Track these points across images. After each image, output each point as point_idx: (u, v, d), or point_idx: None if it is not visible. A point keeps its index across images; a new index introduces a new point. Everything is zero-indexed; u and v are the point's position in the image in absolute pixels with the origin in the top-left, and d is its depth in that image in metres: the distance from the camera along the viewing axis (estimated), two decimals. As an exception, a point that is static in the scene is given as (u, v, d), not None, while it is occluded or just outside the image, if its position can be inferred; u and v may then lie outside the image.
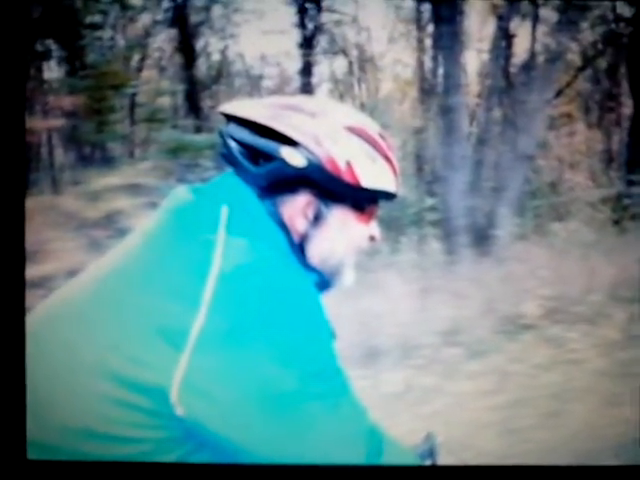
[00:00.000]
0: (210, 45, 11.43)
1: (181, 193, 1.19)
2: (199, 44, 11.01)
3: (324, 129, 1.17)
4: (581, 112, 12.64)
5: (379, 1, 11.18)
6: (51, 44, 9.48)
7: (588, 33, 11.08)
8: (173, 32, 10.48)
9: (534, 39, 9.34)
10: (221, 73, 12.05)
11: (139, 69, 11.27)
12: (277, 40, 13.98)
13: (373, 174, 1.19)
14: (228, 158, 1.20)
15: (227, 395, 1.02)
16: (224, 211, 1.12)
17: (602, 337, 4.98)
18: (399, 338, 4.79)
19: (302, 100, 1.24)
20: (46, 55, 9.51)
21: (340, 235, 1.22)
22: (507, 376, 4.39)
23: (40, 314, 1.17)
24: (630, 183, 8.93)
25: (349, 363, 1.14)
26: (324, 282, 1.24)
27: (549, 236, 8.17)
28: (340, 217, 1.21)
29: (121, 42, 10.67)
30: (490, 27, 9.86)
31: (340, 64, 12.67)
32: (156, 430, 1.03)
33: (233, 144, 1.19)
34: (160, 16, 10.48)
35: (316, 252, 1.21)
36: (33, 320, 1.17)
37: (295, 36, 10.60)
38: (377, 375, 4.27)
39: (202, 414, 1.02)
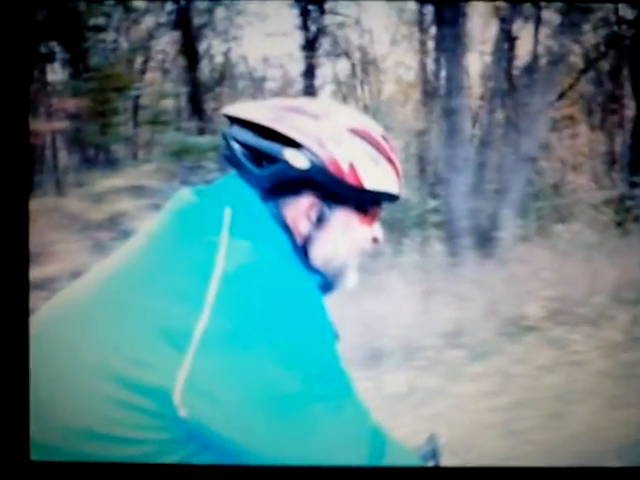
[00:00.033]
0: (213, 47, 11.47)
1: (184, 195, 1.19)
2: (202, 46, 11.04)
3: (327, 131, 1.17)
4: (584, 114, 12.65)
5: (382, 3, 11.19)
6: (55, 46, 9.51)
7: (590, 35, 11.09)
8: (176, 35, 10.50)
9: (536, 41, 9.36)
10: (224, 75, 12.08)
11: (142, 71, 11.30)
12: (280, 42, 13.98)
13: (376, 176, 1.19)
14: (231, 160, 1.20)
15: (230, 396, 1.02)
16: (227, 213, 1.12)
17: (605, 339, 4.98)
18: (402, 340, 4.79)
19: (305, 102, 1.24)
20: (50, 57, 9.53)
21: (343, 237, 1.22)
22: (510, 377, 4.39)
23: (43, 316, 1.17)
24: (633, 185, 8.94)
25: (352, 364, 1.15)
26: (327, 284, 1.24)
27: (552, 238, 8.18)
28: (343, 219, 1.21)
29: (124, 45, 10.70)
30: (493, 29, 9.89)
31: (343, 66, 12.71)
32: (159, 431, 1.03)
33: (236, 146, 1.19)
34: (163, 19, 10.51)
35: (319, 254, 1.21)
36: (36, 321, 1.17)
37: (298, 38, 10.63)
38: (380, 376, 4.27)
39: (205, 415, 1.02)
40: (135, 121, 10.54)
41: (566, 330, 5.17)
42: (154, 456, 1.05)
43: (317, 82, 11.17)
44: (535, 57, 9.12)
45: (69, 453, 1.06)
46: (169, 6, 10.08)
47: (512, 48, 9.91)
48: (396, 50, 12.88)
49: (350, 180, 1.16)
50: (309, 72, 10.77)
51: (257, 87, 12.48)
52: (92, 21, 9.59)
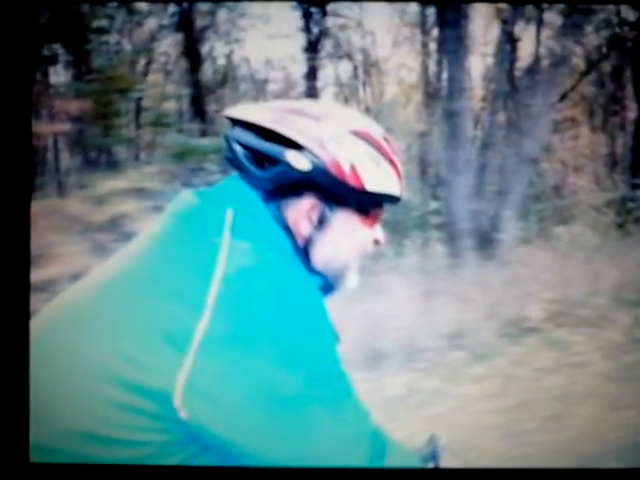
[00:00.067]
0: (216, 49, 11.49)
1: (186, 197, 1.19)
2: (205, 48, 11.05)
3: (329, 133, 1.17)
4: (585, 116, 12.65)
5: (384, 5, 11.20)
6: (58, 48, 9.52)
7: (592, 37, 11.10)
8: (179, 36, 10.51)
9: (538, 43, 9.36)
10: (226, 77, 12.09)
11: (145, 73, 11.31)
12: (282, 44, 14.02)
13: (377, 177, 1.19)
14: (233, 162, 1.20)
15: (230, 398, 1.02)
16: (229, 214, 1.12)
17: (606, 340, 4.98)
18: (403, 341, 4.79)
19: (307, 104, 1.24)
20: (53, 59, 9.55)
21: (344, 238, 1.22)
22: (511, 379, 4.39)
23: (44, 317, 1.17)
24: (634, 186, 8.95)
25: (353, 366, 1.15)
26: (328, 285, 1.24)
27: (553, 239, 8.19)
28: (344, 221, 1.21)
29: (127, 46, 10.72)
30: (495, 31, 9.89)
31: (345, 68, 12.72)
32: (159, 433, 1.03)
33: (238, 148, 1.19)
34: (166, 21, 10.51)
35: (320, 255, 1.21)
36: (37, 323, 1.17)
37: (300, 40, 10.64)
38: (381, 378, 4.27)
39: (206, 417, 1.02)
40: (137, 123, 10.55)
41: (567, 332, 5.17)
42: (154, 458, 1.05)
43: (319, 84, 11.18)
44: (537, 59, 9.13)
45: (69, 455, 1.06)
46: (172, 8, 10.09)
47: (514, 50, 9.91)
48: (398, 52, 12.89)
49: (351, 182, 1.16)
50: (311, 74, 10.78)
51: (259, 89, 12.49)
52: (95, 23, 9.59)
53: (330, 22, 11.19)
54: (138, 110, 10.43)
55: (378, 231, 1.27)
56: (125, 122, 9.64)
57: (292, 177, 1.15)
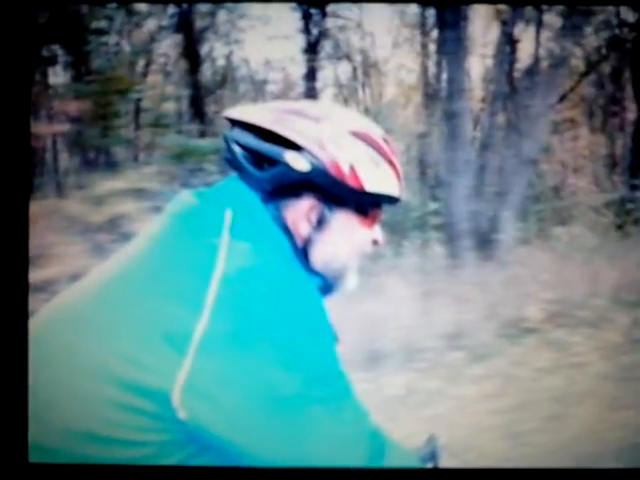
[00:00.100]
0: (215, 50, 11.49)
1: (185, 197, 1.19)
2: (204, 49, 11.06)
3: (328, 133, 1.17)
4: (585, 117, 12.66)
5: (383, 6, 11.20)
6: (57, 49, 9.53)
7: (592, 38, 11.11)
8: (178, 37, 10.51)
9: (538, 44, 9.37)
10: (226, 78, 12.10)
11: (144, 74, 11.32)
12: (282, 45, 14.04)
13: (377, 178, 1.19)
14: (232, 163, 1.20)
15: (229, 399, 1.02)
16: (228, 215, 1.12)
17: (605, 341, 4.99)
18: (402, 341, 4.79)
19: (306, 105, 1.24)
20: (52, 60, 9.55)
21: (343, 239, 1.23)
22: (510, 379, 4.39)
23: (43, 318, 1.17)
24: (633, 187, 8.95)
25: (352, 366, 1.15)
26: (327, 286, 1.24)
27: (552, 240, 8.19)
28: (343, 221, 1.21)
29: (126, 47, 10.72)
30: (494, 32, 9.90)
31: (344, 69, 12.73)
32: (158, 433, 1.03)
33: (237, 149, 1.19)
34: (165, 22, 10.52)
35: (319, 256, 1.21)
36: (36, 324, 1.17)
37: (299, 41, 10.66)
38: (380, 378, 4.27)
39: (205, 417, 1.02)
40: (136, 124, 10.55)
41: (566, 332, 5.17)
42: (153, 458, 1.05)
43: (318, 85, 11.19)
44: (536, 60, 9.14)
45: (68, 455, 1.05)
46: (171, 9, 10.09)
47: (513, 51, 9.92)
48: (397, 53, 12.91)
49: (351, 182, 1.17)
50: (310, 75, 10.79)
51: (258, 90, 12.49)
52: (94, 24, 9.60)
53: (330, 23, 11.21)
54: (137, 111, 10.44)
55: (377, 232, 1.27)
56: (124, 123, 9.65)
57: (291, 178, 1.15)
